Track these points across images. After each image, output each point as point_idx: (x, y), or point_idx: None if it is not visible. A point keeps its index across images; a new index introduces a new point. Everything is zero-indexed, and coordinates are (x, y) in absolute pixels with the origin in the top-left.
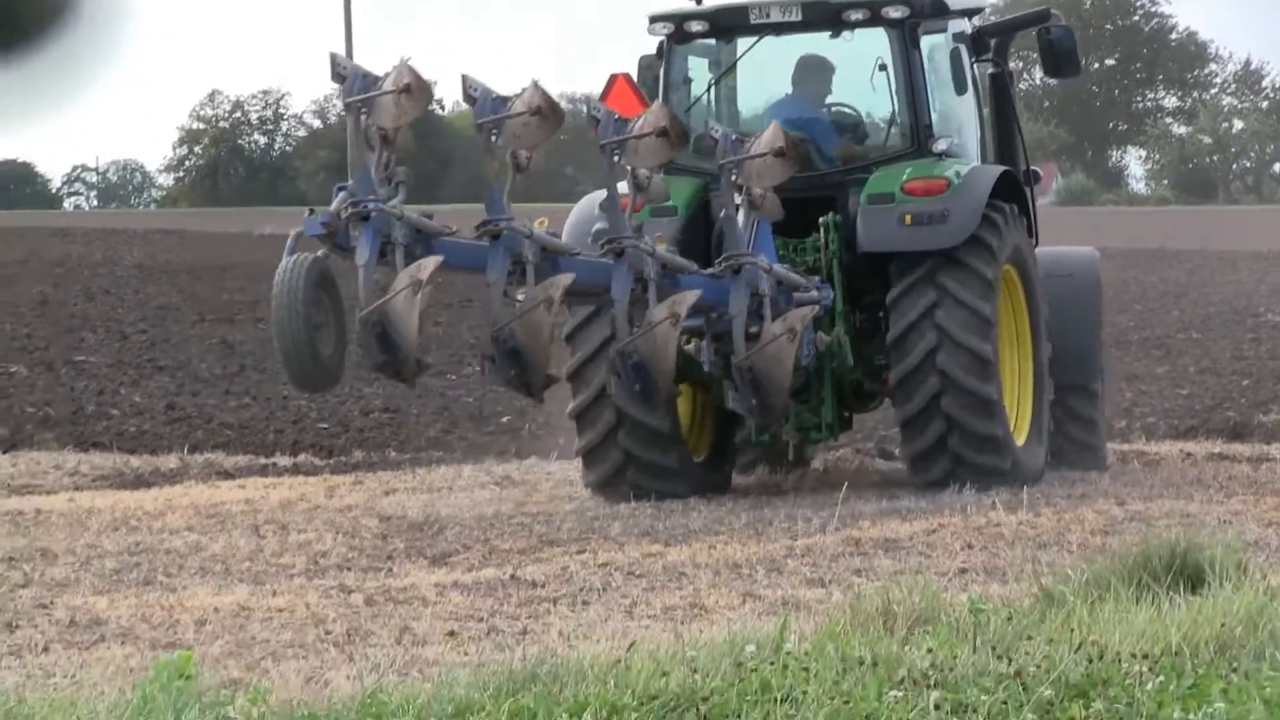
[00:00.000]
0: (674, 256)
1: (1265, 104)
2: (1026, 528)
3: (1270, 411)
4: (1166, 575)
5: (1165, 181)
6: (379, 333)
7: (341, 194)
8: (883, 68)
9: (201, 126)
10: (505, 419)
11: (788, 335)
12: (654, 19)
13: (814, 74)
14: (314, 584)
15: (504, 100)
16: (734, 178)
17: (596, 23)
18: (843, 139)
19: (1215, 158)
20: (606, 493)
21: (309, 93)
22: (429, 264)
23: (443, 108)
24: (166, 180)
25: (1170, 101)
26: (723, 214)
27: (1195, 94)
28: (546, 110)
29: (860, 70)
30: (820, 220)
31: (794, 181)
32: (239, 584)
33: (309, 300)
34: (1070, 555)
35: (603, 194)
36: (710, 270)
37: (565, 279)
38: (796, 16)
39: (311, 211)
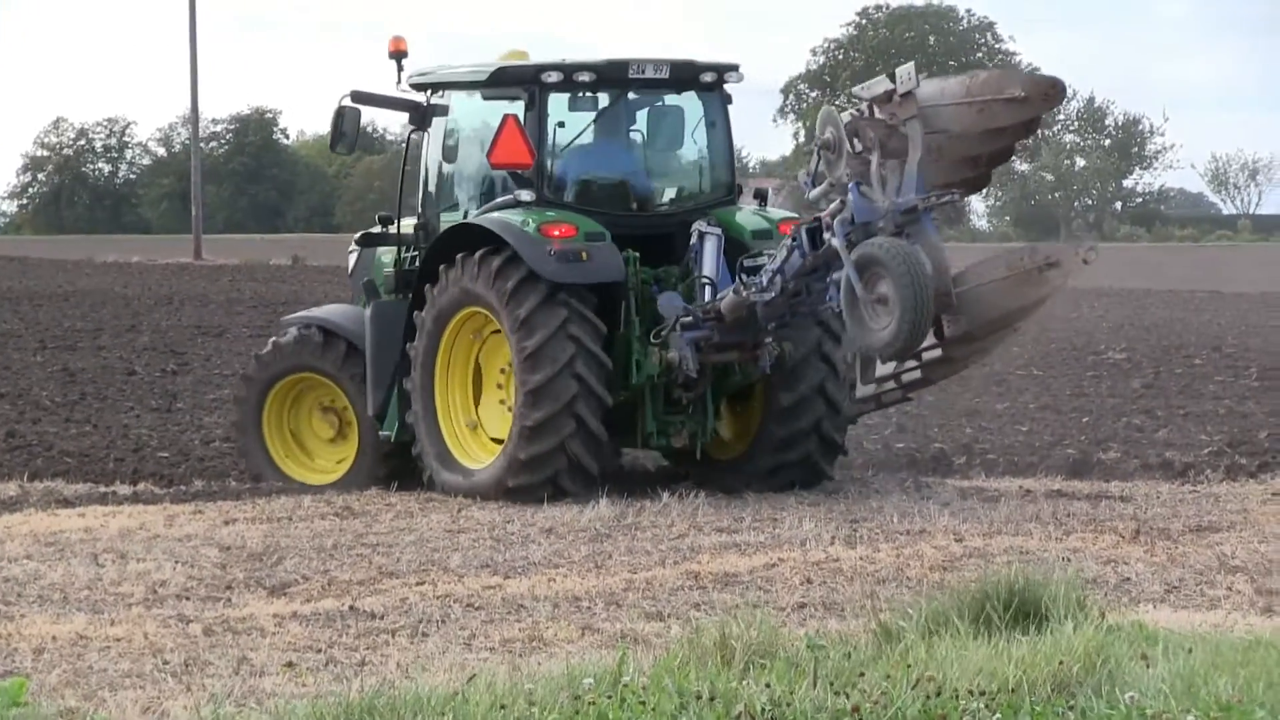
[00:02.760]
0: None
1: (1108, 142)
2: (865, 563)
3: (1109, 449)
4: (1005, 612)
5: (1007, 218)
6: (947, 304)
7: (861, 189)
8: (712, 124)
9: (45, 154)
10: None
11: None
12: (545, 67)
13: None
14: (152, 613)
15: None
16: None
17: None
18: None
19: (1057, 195)
20: (527, 495)
21: (154, 121)
22: (1072, 250)
23: (286, 136)
24: (9, 207)
25: None
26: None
27: (1038, 131)
28: (1035, 95)
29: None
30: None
31: (636, 219)
32: (77, 613)
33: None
34: (909, 591)
35: None
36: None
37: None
38: (665, 74)
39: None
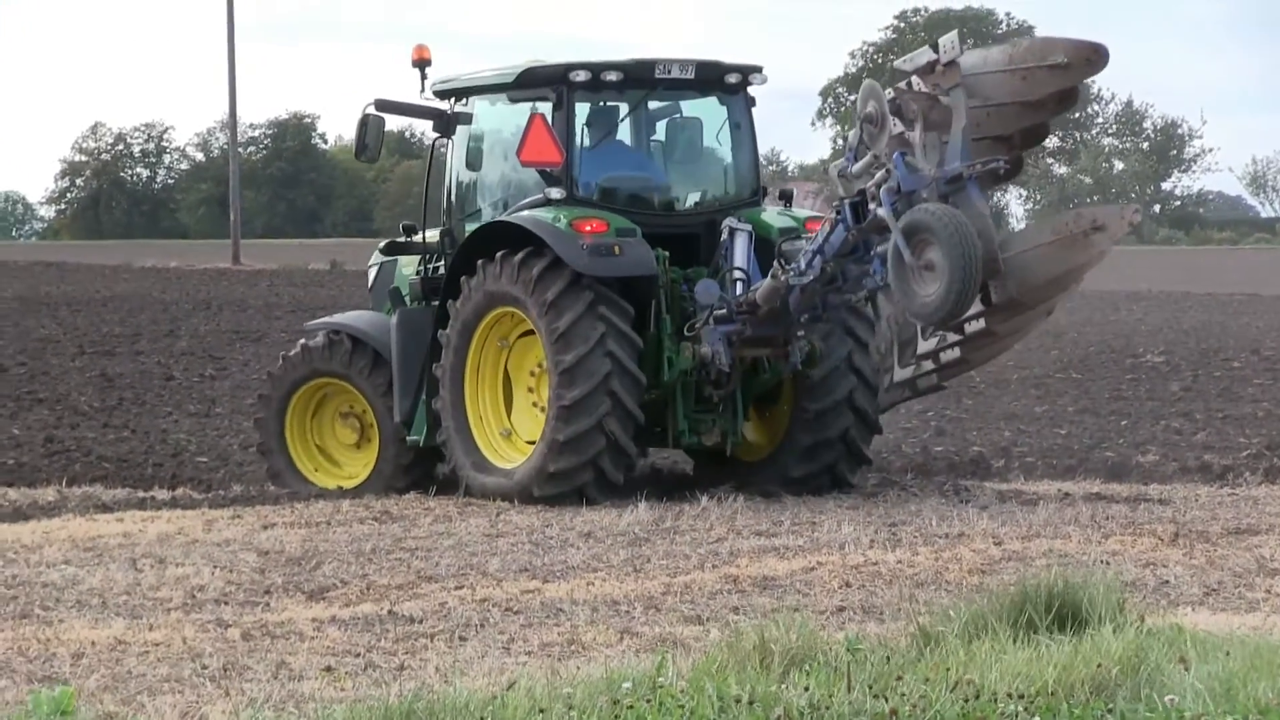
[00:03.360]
0: None
1: (1146, 145)
2: (904, 566)
3: (1148, 452)
4: (1044, 615)
5: None
6: (995, 269)
7: (905, 159)
8: (737, 126)
9: (84, 159)
10: None
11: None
12: (573, 66)
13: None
14: (191, 618)
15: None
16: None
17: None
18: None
19: (1096, 198)
20: (569, 482)
21: (192, 126)
22: (1118, 213)
23: (324, 141)
24: (48, 212)
25: (1051, 141)
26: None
27: (1076, 134)
28: (1078, 61)
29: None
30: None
31: (663, 219)
32: (116, 618)
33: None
34: (948, 594)
35: None
36: None
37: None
38: (691, 74)
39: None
